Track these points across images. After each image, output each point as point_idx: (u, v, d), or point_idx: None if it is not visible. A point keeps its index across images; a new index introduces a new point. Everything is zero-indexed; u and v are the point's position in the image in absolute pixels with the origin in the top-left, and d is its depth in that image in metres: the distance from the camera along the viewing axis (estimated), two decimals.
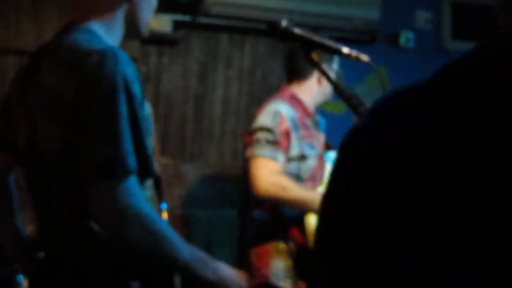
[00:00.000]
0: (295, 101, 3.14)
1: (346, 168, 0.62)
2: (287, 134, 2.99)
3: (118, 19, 1.84)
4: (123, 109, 1.59)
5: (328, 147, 3.36)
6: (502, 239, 0.50)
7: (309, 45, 1.92)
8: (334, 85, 1.97)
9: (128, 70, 1.63)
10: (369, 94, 4.66)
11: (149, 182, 1.85)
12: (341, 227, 0.59)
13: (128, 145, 1.60)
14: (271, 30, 1.95)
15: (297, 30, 1.93)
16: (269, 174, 2.91)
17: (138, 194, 1.64)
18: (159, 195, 2.06)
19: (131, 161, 1.61)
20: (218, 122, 4.78)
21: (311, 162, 3.05)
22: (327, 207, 0.64)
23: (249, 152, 3.02)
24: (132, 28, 1.88)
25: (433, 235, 0.52)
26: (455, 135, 0.54)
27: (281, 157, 2.96)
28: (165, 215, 2.13)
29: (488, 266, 0.50)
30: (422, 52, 5.23)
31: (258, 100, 4.58)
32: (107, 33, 1.81)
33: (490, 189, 0.51)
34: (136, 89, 1.64)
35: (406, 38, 5.18)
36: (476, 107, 0.55)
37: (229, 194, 4.54)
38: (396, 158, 0.57)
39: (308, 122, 3.15)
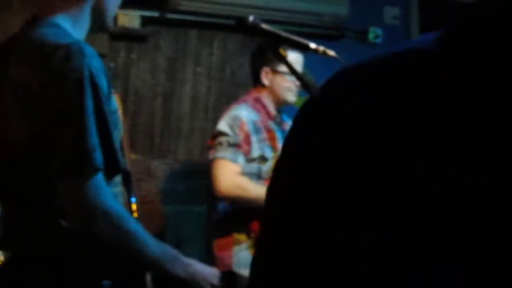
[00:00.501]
0: (258, 104, 3.26)
1: (308, 136, 0.59)
2: (247, 138, 3.08)
3: (85, 12, 1.83)
4: (89, 103, 1.59)
5: None
6: (467, 227, 0.49)
7: (277, 41, 1.93)
8: (301, 80, 1.98)
9: (95, 63, 1.63)
10: None
11: (118, 178, 1.84)
12: (296, 201, 0.57)
13: (94, 141, 1.59)
14: (239, 26, 1.96)
15: (264, 26, 1.94)
16: (230, 175, 3.06)
17: (106, 191, 1.64)
18: (129, 190, 2.05)
19: (98, 157, 1.60)
20: (186, 119, 4.76)
21: (271, 163, 3.16)
22: (278, 181, 0.61)
23: (211, 154, 3.16)
24: (98, 21, 1.86)
25: (398, 217, 0.51)
26: (424, 114, 0.53)
27: (241, 159, 3.11)
28: (134, 208, 2.12)
29: (453, 254, 0.50)
30: (390, 48, 5.25)
31: (227, 97, 4.59)
32: (73, 26, 1.79)
33: (456, 178, 0.50)
34: (103, 83, 1.63)
35: (374, 34, 5.20)
36: (446, 85, 0.54)
37: (198, 190, 4.53)
38: (360, 132, 0.55)
39: (272, 124, 3.24)
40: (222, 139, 3.11)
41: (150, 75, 4.70)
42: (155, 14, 4.53)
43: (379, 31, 5.23)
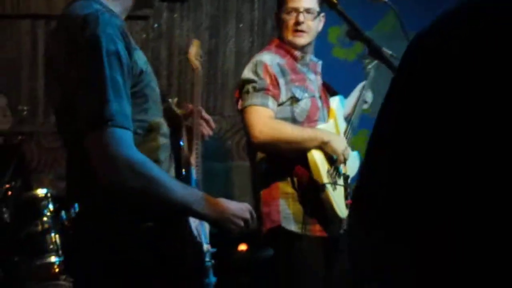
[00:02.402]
0: (281, 49, 3.14)
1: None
2: (275, 80, 3.03)
3: None
4: (104, 67, 1.68)
5: (331, 92, 3.39)
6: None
7: None
8: (354, 27, 1.99)
9: (109, 30, 1.71)
10: (380, 40, 4.67)
11: (167, 130, 1.90)
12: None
13: (108, 97, 1.67)
14: None
15: None
16: (263, 120, 2.96)
17: (126, 142, 1.70)
18: (177, 134, 2.10)
19: (112, 110, 1.67)
20: (231, 75, 4.80)
21: (303, 104, 3.08)
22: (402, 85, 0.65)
23: (240, 105, 3.07)
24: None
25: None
26: None
27: (271, 103, 3.01)
28: (183, 151, 2.16)
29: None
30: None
31: None
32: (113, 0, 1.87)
33: None
34: (119, 46, 1.72)
35: None
36: None
37: (245, 146, 4.59)
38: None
39: (299, 67, 3.15)
40: (248, 86, 3.04)
41: (194, 33, 4.74)
42: None
43: None
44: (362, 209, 0.72)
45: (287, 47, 3.15)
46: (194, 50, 2.75)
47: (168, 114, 2.02)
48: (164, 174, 1.78)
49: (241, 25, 4.83)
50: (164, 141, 1.89)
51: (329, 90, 3.40)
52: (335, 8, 1.98)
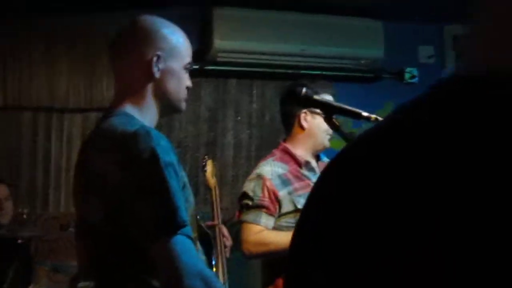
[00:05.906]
0: (286, 155, 3.14)
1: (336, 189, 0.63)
2: (273, 195, 3.06)
3: (149, 99, 1.94)
4: (164, 176, 1.71)
5: None
6: None
7: (330, 110, 1.98)
8: (344, 136, 2.02)
9: (162, 143, 1.75)
10: None
11: (200, 247, 1.92)
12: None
13: (178, 202, 1.70)
14: (292, 97, 2.01)
15: (317, 97, 1.99)
16: (251, 237, 3.04)
17: (194, 252, 1.72)
18: (208, 252, 2.11)
19: (183, 215, 1.70)
20: (230, 167, 4.82)
21: None
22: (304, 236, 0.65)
23: (238, 217, 3.17)
24: (165, 106, 1.97)
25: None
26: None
27: (265, 219, 3.06)
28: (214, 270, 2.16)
29: None
30: (427, 86, 5.28)
31: (268, 143, 4.64)
32: (140, 114, 1.92)
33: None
34: (173, 159, 1.75)
35: (410, 74, 5.24)
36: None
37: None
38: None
39: (304, 171, 3.15)
40: (245, 202, 3.11)
41: (192, 125, 4.79)
42: (195, 66, 4.62)
43: (415, 71, 5.27)
44: None
45: (292, 153, 3.14)
46: (209, 169, 2.79)
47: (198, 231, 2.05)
48: None
49: (239, 118, 4.88)
50: (201, 258, 1.90)
51: None
52: (338, 130, 2.01)
